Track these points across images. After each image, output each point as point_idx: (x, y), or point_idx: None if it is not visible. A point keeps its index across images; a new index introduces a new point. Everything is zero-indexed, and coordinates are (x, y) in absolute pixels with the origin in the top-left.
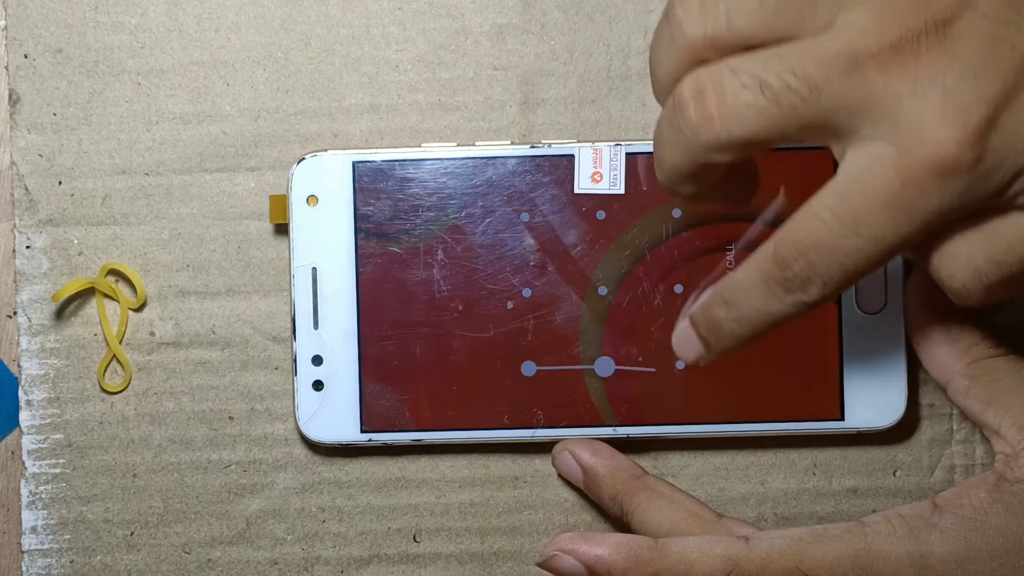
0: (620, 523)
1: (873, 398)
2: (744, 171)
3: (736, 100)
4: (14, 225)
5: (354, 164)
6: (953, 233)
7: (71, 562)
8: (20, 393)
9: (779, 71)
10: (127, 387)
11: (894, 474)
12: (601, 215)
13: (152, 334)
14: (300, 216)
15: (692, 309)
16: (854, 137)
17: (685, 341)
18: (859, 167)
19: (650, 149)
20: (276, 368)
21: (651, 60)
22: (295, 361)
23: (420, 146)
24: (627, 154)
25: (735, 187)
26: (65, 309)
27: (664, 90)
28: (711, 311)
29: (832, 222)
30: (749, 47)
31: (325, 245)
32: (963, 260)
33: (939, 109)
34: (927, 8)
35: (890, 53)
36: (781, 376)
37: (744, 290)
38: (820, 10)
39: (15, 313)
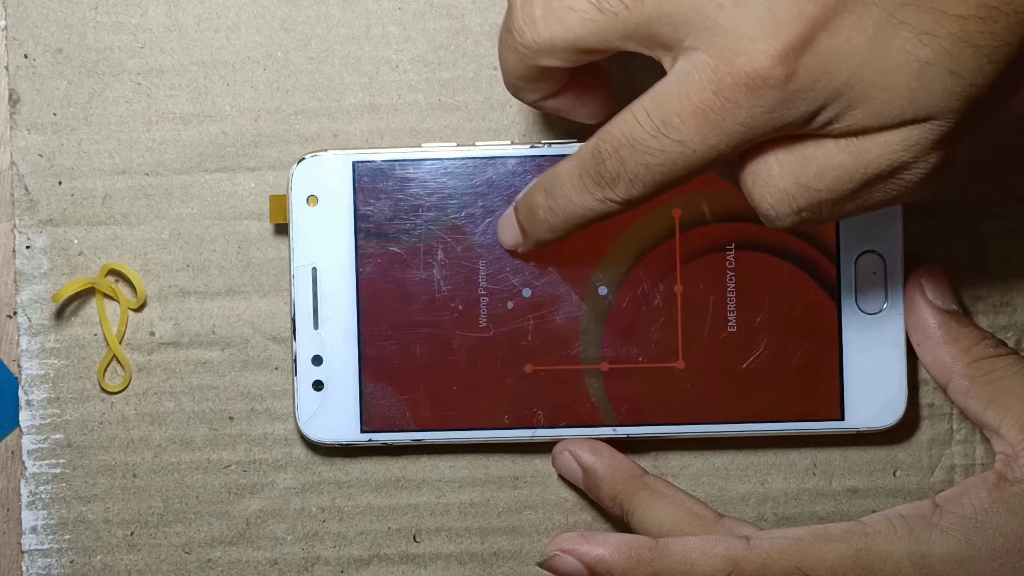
0: (620, 523)
1: (873, 398)
2: (589, 82)
3: (560, 4)
4: (14, 225)
5: (354, 164)
6: (765, 152)
7: (71, 562)
8: (20, 393)
9: None
10: (127, 387)
11: (894, 474)
12: None
13: (152, 334)
14: (300, 216)
15: (519, 196)
16: (679, 48)
17: (506, 225)
18: (678, 74)
19: None
20: (276, 368)
21: None
22: (295, 361)
23: (420, 146)
24: None
25: (581, 100)
26: (65, 309)
27: None
28: (531, 196)
29: (644, 122)
30: None
31: (325, 245)
32: (774, 181)
33: (757, 22)
34: None
35: None
36: (781, 376)
37: (561, 179)
38: None
39: (15, 313)
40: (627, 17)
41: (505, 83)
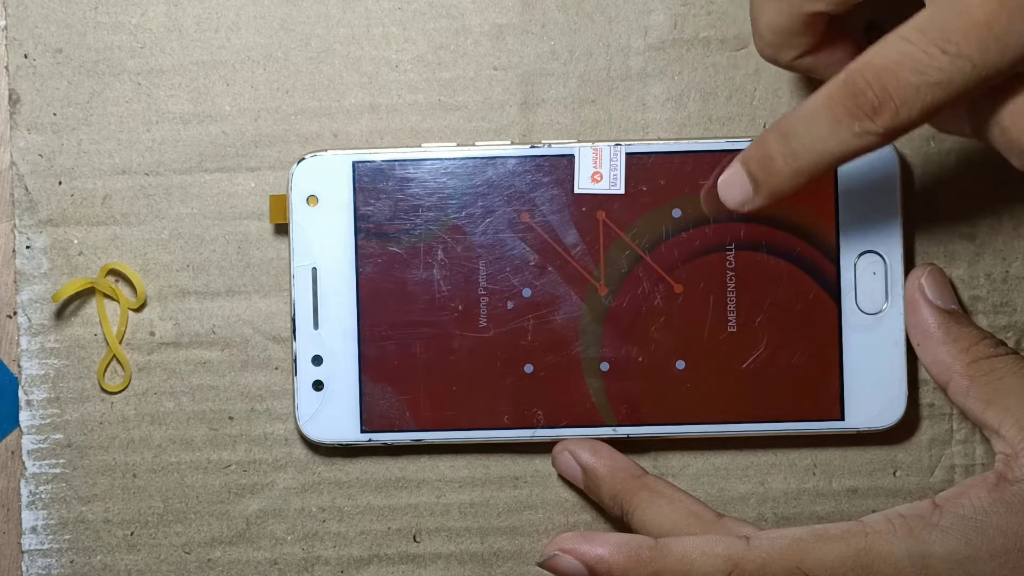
0: (620, 523)
1: (873, 398)
2: (841, 38)
3: None
4: (14, 225)
5: (354, 164)
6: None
7: (71, 562)
8: (20, 393)
9: None
10: (127, 387)
11: (894, 474)
12: (601, 215)
13: (152, 334)
14: (300, 216)
15: (744, 150)
16: None
17: (732, 182)
18: None
19: (649, 149)
20: (276, 368)
21: None
22: (295, 361)
23: (420, 146)
24: (627, 154)
25: (836, 55)
26: (65, 309)
27: None
28: (766, 143)
29: (918, 40)
30: None
31: (325, 245)
32: None
33: None
34: None
35: None
36: (781, 376)
37: (805, 119)
38: None
39: (15, 313)
40: None
41: (760, 45)
